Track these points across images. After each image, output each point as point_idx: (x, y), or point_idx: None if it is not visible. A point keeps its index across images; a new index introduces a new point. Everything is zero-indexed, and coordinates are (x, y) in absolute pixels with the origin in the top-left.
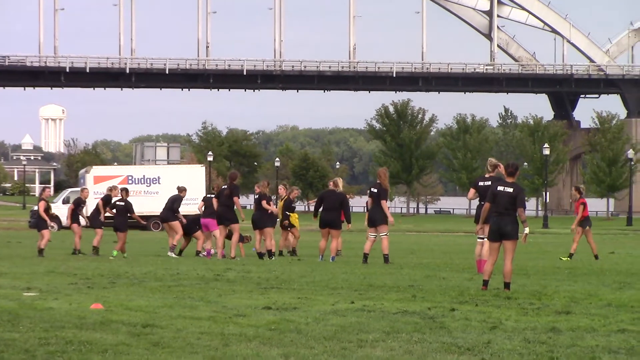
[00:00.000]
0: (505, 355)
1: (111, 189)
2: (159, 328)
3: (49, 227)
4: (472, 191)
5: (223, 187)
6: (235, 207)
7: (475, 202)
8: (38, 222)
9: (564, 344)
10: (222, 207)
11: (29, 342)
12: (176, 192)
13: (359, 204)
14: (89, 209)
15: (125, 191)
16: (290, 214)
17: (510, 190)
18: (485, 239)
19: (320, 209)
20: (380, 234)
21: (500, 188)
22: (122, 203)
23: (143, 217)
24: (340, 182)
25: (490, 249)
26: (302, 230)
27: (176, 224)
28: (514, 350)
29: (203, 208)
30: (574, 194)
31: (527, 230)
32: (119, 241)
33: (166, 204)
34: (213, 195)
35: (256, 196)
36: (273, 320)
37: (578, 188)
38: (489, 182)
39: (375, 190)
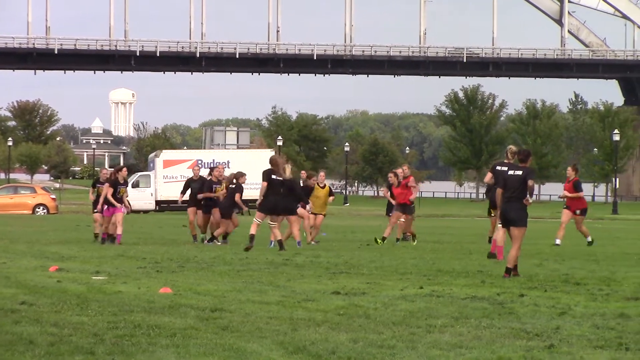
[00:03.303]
0: (574, 341)
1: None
2: (228, 312)
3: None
4: (489, 175)
5: None
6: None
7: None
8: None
9: (633, 330)
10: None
11: (98, 326)
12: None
13: (427, 189)
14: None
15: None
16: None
17: (520, 172)
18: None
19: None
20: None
21: (510, 172)
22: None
23: None
24: (288, 168)
25: (509, 235)
26: (365, 216)
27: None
28: (582, 336)
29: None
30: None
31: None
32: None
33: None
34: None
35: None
36: (342, 305)
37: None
38: (506, 168)
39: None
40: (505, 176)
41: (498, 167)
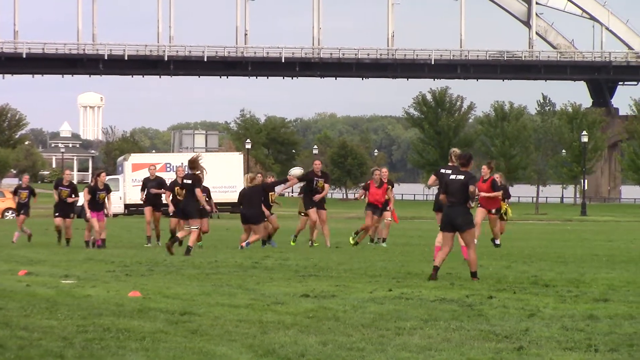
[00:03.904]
0: (543, 342)
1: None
2: (197, 316)
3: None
4: (432, 178)
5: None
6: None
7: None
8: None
9: (601, 332)
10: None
11: (67, 330)
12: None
13: (396, 191)
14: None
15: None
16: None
17: (462, 177)
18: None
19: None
20: None
21: (452, 176)
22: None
23: None
24: (247, 178)
25: (443, 239)
26: (334, 218)
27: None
28: (551, 337)
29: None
30: None
31: (472, 204)
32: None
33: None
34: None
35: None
36: (311, 308)
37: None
38: (450, 171)
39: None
40: (447, 180)
41: (442, 171)
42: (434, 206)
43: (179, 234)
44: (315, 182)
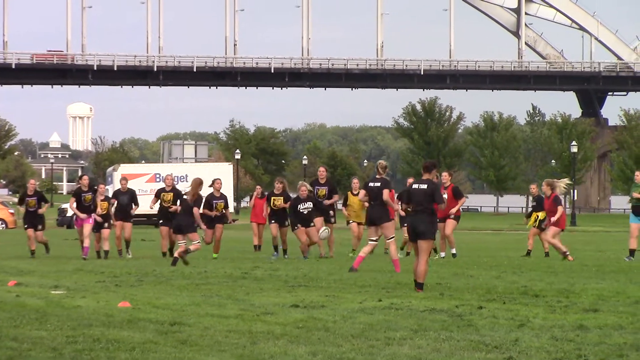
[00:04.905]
0: (533, 353)
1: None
2: (187, 326)
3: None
4: (362, 192)
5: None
6: None
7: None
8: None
9: (591, 342)
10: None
11: (57, 340)
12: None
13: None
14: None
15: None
16: None
17: (425, 186)
18: (388, 241)
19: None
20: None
21: (415, 186)
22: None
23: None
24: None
25: (414, 250)
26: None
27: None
28: (541, 348)
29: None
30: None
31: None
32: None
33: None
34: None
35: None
36: (301, 318)
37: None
38: (379, 184)
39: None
40: (410, 190)
41: (371, 184)
42: (366, 221)
43: (177, 253)
44: (316, 191)
